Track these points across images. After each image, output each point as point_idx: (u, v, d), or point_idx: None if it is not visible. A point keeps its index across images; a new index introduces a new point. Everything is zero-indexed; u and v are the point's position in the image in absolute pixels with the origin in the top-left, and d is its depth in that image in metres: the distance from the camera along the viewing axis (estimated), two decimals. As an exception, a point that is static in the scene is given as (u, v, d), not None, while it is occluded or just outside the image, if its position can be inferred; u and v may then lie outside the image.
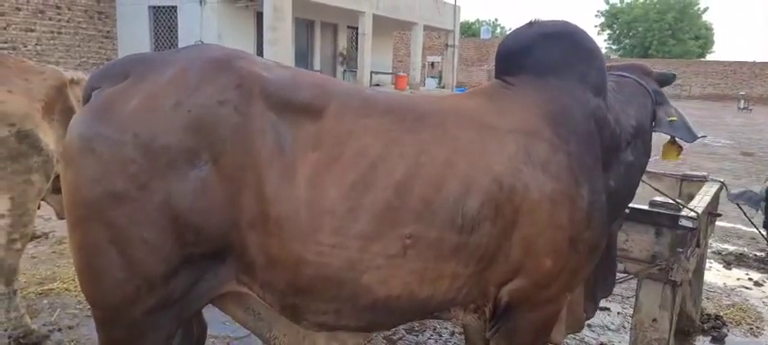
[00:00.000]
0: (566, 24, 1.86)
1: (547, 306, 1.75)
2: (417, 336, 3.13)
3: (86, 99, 1.52)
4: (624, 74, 2.08)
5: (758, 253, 5.19)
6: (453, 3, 21.19)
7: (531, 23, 1.88)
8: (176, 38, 13.70)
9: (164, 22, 14.13)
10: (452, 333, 3.17)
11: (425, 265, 1.55)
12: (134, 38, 14.02)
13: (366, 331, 1.74)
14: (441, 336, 3.16)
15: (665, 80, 2.20)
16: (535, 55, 1.80)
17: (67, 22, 13.64)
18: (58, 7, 13.41)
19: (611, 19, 37.90)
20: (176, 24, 13.80)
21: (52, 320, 3.06)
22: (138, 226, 1.39)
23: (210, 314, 2.02)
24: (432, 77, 24.16)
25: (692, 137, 2.01)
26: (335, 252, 1.48)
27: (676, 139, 2.13)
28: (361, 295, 1.54)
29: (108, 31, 14.67)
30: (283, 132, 1.47)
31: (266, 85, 1.50)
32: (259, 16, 13.97)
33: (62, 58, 13.31)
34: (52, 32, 13.33)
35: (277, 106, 1.49)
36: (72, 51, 13.76)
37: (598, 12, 38.18)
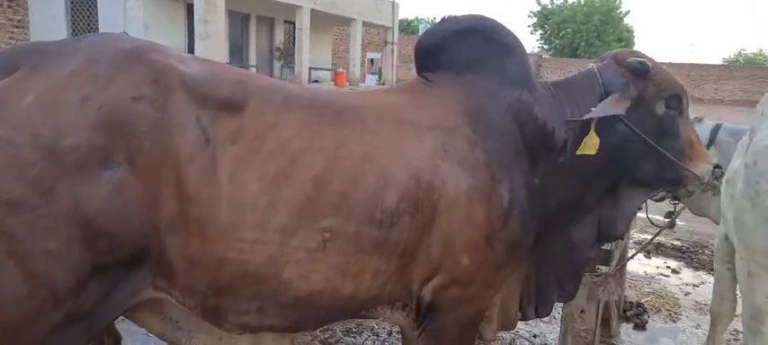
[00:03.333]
0: (479, 19, 1.85)
1: (470, 305, 1.75)
2: (354, 338, 3.09)
3: None
4: (593, 66, 1.97)
5: (675, 242, 5.53)
6: (392, 0, 21.27)
7: (443, 20, 1.86)
8: (96, 29, 12.86)
9: (82, 11, 13.25)
10: (390, 333, 3.15)
11: (346, 259, 1.53)
12: (49, 28, 13.04)
13: (290, 330, 1.69)
14: (378, 336, 3.13)
15: (636, 71, 1.85)
16: (450, 51, 1.79)
17: (-27, 9, 12.55)
18: (-37, -7, 12.32)
19: (543, 19, 39.36)
20: (96, 14, 12.96)
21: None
22: (40, 236, 1.26)
23: (131, 324, 1.89)
24: (372, 74, 24.17)
25: (596, 113, 1.74)
26: (257, 247, 1.44)
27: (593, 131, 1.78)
28: (283, 291, 1.51)
29: (19, 20, 13.58)
30: (204, 128, 1.41)
31: (185, 80, 1.42)
32: (189, 8, 13.39)
33: (-32, 49, 12.23)
34: (-44, 21, 12.22)
35: (197, 102, 1.42)
36: (-21, 41, 12.68)
37: (531, 12, 39.47)
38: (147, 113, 1.36)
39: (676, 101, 1.88)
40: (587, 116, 1.74)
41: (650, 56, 1.93)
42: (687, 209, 2.83)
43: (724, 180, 2.52)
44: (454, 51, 1.78)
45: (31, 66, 1.35)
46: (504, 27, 1.85)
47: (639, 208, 2.07)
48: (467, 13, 1.87)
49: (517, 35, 1.86)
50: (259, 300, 1.52)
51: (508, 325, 2.09)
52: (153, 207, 1.36)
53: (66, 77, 1.33)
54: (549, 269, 1.98)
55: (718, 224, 3.09)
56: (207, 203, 1.40)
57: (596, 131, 1.74)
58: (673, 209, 2.58)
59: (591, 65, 1.98)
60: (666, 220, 2.48)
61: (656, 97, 1.85)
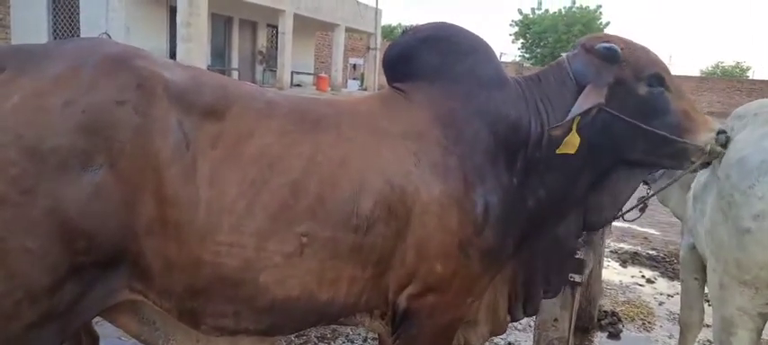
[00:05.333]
0: (439, 26, 1.87)
1: (446, 313, 1.75)
2: (329, 343, 3.09)
3: None
4: (564, 56, 1.90)
5: (650, 252, 5.62)
6: (375, 6, 21.35)
7: (405, 31, 1.89)
8: (78, 30, 12.73)
9: (64, 11, 13.08)
10: (365, 339, 3.15)
11: (323, 265, 1.55)
12: (30, 27, 12.85)
13: (267, 334, 1.69)
14: (353, 343, 3.14)
15: (606, 57, 1.76)
16: (415, 61, 1.82)
17: (-48, 7, 12.28)
18: (-59, -9, 12.04)
19: (524, 29, 39.77)
20: (78, 15, 12.82)
21: None
22: (19, 234, 1.28)
23: (104, 328, 1.88)
24: (354, 79, 24.23)
25: (575, 111, 1.69)
26: (233, 251, 1.46)
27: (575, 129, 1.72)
28: (260, 295, 1.53)
29: (0, 19, 13.35)
30: (185, 134, 1.43)
31: (169, 86, 1.45)
32: (172, 10, 13.30)
33: (-56, 46, 11.93)
34: (-66, 18, 11.95)
35: (179, 108, 1.44)
36: (-43, 39, 12.39)
37: (512, 21, 39.82)
38: (130, 118, 1.37)
39: (657, 79, 1.79)
40: (568, 118, 1.68)
41: (624, 37, 1.87)
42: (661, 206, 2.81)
43: (691, 195, 2.55)
44: (420, 60, 1.81)
45: (17, 68, 1.36)
46: (465, 30, 1.87)
47: (634, 190, 1.97)
48: (428, 22, 1.90)
49: (482, 37, 1.87)
50: (235, 304, 1.54)
51: (498, 328, 2.05)
52: (132, 209, 1.38)
53: (51, 80, 1.35)
54: (536, 265, 1.95)
55: (677, 218, 3.13)
56: (185, 207, 1.42)
57: (578, 129, 1.70)
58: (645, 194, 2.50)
59: (562, 55, 1.92)
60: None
61: (635, 78, 1.77)
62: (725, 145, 1.88)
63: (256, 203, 1.47)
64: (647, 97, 1.78)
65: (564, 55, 1.90)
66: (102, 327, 1.86)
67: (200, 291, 1.49)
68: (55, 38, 12.95)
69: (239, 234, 1.46)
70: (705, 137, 1.81)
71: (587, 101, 1.70)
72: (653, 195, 2.55)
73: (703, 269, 2.76)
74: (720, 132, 1.85)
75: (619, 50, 1.76)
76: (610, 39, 1.83)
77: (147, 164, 1.38)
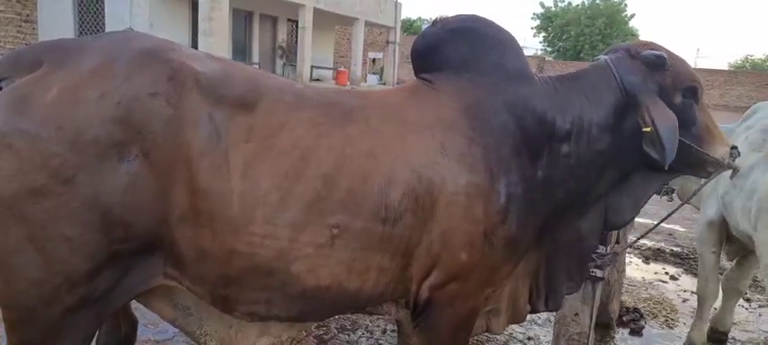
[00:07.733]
0: (469, 18, 1.88)
1: (466, 302, 1.78)
2: (349, 335, 3.11)
3: None
4: (605, 58, 1.93)
5: (674, 249, 5.53)
6: (394, 0, 21.28)
7: (435, 22, 1.90)
8: (103, 24, 12.94)
9: (89, 6, 13.32)
10: (384, 331, 3.17)
11: (353, 256, 1.58)
12: (56, 23, 13.14)
13: (297, 320, 1.75)
14: (372, 334, 3.16)
15: (653, 64, 1.83)
16: (444, 52, 1.83)
17: (-19, 3, 12.59)
18: (-29, -12, 12.36)
19: (546, 22, 39.27)
20: (103, 10, 13.04)
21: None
22: (60, 223, 1.34)
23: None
24: (373, 73, 24.22)
25: (662, 157, 1.73)
26: (267, 241, 1.50)
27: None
28: (291, 284, 1.57)
29: (28, 15, 13.65)
30: (216, 126, 1.46)
31: (199, 78, 1.48)
32: (194, 5, 13.45)
33: (-25, 42, 12.27)
34: (-36, 15, 12.26)
35: (210, 100, 1.47)
36: (-14, 35, 12.71)
37: (534, 14, 39.32)
38: (162, 109, 1.42)
39: (692, 92, 1.87)
40: (669, 155, 1.71)
41: (664, 46, 1.92)
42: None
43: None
44: (448, 51, 1.82)
45: (54, 63, 1.41)
46: (495, 24, 1.88)
47: (653, 195, 2.06)
48: (458, 14, 1.90)
49: (510, 31, 1.87)
50: (267, 292, 1.58)
51: (518, 318, 2.09)
52: (165, 199, 1.42)
53: (87, 73, 1.40)
54: (559, 259, 1.99)
55: (679, 198, 3.30)
56: (218, 197, 1.45)
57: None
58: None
59: (601, 57, 1.95)
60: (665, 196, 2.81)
61: (673, 88, 1.84)
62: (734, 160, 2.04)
63: (290, 195, 1.50)
64: (680, 107, 1.84)
65: (603, 57, 1.95)
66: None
67: (232, 279, 1.54)
68: (80, 33, 13.20)
69: (273, 226, 1.50)
70: (722, 151, 1.94)
71: (670, 121, 1.74)
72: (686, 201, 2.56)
73: (721, 242, 3.03)
74: (733, 148, 1.99)
75: (667, 58, 1.83)
76: (654, 46, 1.89)
77: (178, 156, 1.42)
